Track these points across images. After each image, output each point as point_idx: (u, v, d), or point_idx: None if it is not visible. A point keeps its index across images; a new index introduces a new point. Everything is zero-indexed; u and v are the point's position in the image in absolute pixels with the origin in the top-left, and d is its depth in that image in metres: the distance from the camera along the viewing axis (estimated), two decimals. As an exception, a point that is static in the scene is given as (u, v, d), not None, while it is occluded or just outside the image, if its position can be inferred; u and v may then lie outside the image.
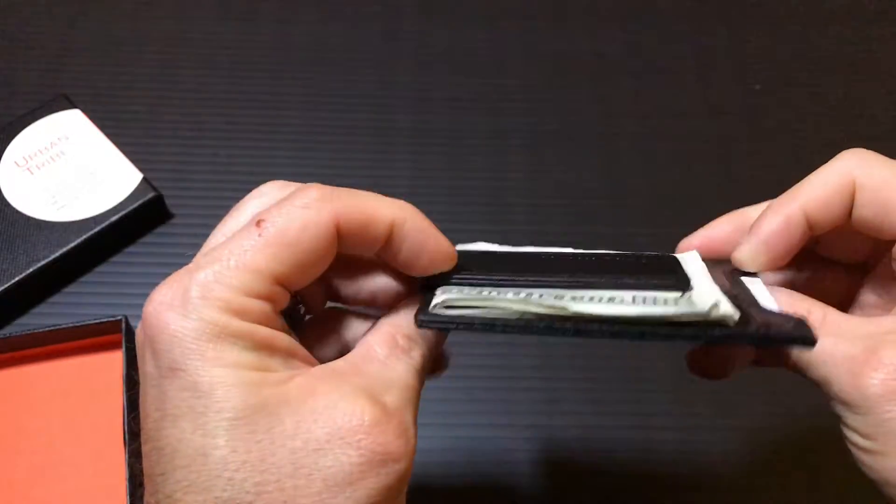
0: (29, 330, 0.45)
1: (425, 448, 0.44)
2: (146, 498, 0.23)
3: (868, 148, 0.28)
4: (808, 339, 0.24)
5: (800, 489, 0.44)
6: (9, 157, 0.51)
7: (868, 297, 0.30)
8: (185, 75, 0.58)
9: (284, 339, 0.24)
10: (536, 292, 0.25)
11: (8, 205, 0.49)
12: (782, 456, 0.45)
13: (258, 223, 0.23)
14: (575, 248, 0.30)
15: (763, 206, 0.30)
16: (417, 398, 0.25)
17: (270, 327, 0.23)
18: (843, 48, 0.62)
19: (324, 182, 0.25)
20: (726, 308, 0.23)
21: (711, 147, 0.57)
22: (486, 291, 0.26)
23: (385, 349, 0.25)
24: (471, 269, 0.27)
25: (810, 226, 0.27)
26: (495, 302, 0.24)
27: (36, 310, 0.49)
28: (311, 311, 0.29)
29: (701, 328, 0.23)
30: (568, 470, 0.44)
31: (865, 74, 0.61)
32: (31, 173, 0.51)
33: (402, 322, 0.26)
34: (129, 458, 0.41)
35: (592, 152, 0.56)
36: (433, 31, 0.62)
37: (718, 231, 0.30)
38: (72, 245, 0.48)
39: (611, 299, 0.25)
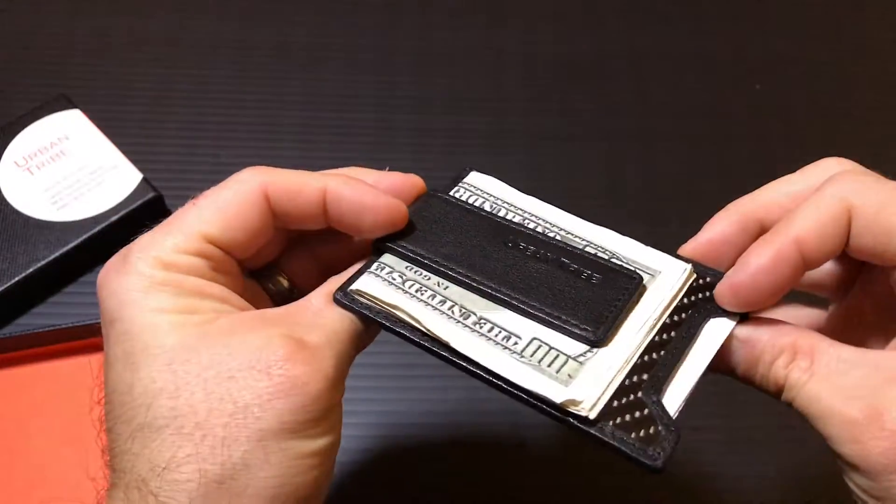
0: (29, 330, 0.45)
1: (425, 447, 0.45)
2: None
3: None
4: (652, 468, 0.22)
5: (800, 489, 0.44)
6: (9, 157, 0.51)
7: (861, 301, 0.29)
8: (185, 75, 0.58)
9: (217, 289, 0.26)
10: (450, 301, 0.27)
11: (8, 205, 0.49)
12: (783, 456, 0.45)
13: (195, 198, 0.27)
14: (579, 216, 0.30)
15: (761, 191, 0.28)
16: (347, 345, 0.26)
17: (203, 279, 0.26)
18: (843, 49, 0.62)
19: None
20: (583, 406, 0.23)
21: (711, 147, 0.57)
22: (411, 272, 0.27)
23: (321, 301, 0.27)
24: (423, 236, 0.28)
25: (805, 259, 0.25)
26: (396, 311, 0.26)
27: (36, 310, 0.48)
28: (303, 287, 0.30)
29: (557, 410, 0.24)
30: (568, 470, 0.44)
31: (865, 76, 0.61)
32: (31, 173, 0.51)
33: (344, 279, 0.28)
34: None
35: (592, 152, 0.56)
36: (433, 31, 0.62)
37: (717, 234, 0.28)
38: (72, 245, 0.48)
39: (506, 337, 0.25)
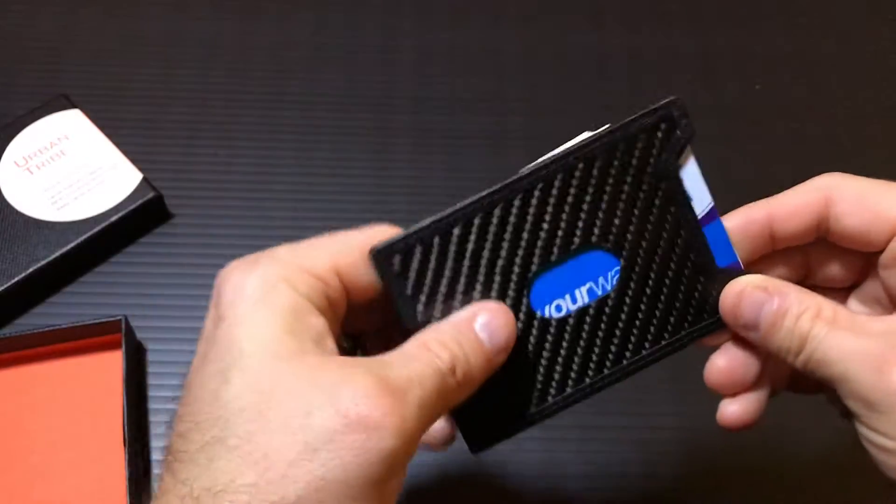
0: (29, 330, 0.45)
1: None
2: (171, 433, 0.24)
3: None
4: (673, 105, 0.27)
5: (800, 489, 0.44)
6: (9, 157, 0.51)
7: (855, 308, 0.30)
8: (185, 75, 0.58)
9: (319, 323, 0.25)
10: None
11: (8, 205, 0.49)
12: (783, 455, 0.45)
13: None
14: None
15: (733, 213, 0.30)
16: (432, 392, 0.24)
17: (314, 304, 0.25)
18: (843, 48, 0.62)
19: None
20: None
21: (710, 147, 0.57)
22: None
23: (414, 348, 0.25)
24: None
25: (773, 233, 0.28)
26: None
27: (36, 310, 0.48)
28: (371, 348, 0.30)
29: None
30: (568, 470, 0.44)
31: (866, 75, 0.61)
32: (31, 173, 0.51)
33: (441, 328, 0.26)
34: (129, 458, 0.41)
35: (592, 152, 0.56)
36: (433, 31, 0.62)
37: None
38: (72, 245, 0.48)
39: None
